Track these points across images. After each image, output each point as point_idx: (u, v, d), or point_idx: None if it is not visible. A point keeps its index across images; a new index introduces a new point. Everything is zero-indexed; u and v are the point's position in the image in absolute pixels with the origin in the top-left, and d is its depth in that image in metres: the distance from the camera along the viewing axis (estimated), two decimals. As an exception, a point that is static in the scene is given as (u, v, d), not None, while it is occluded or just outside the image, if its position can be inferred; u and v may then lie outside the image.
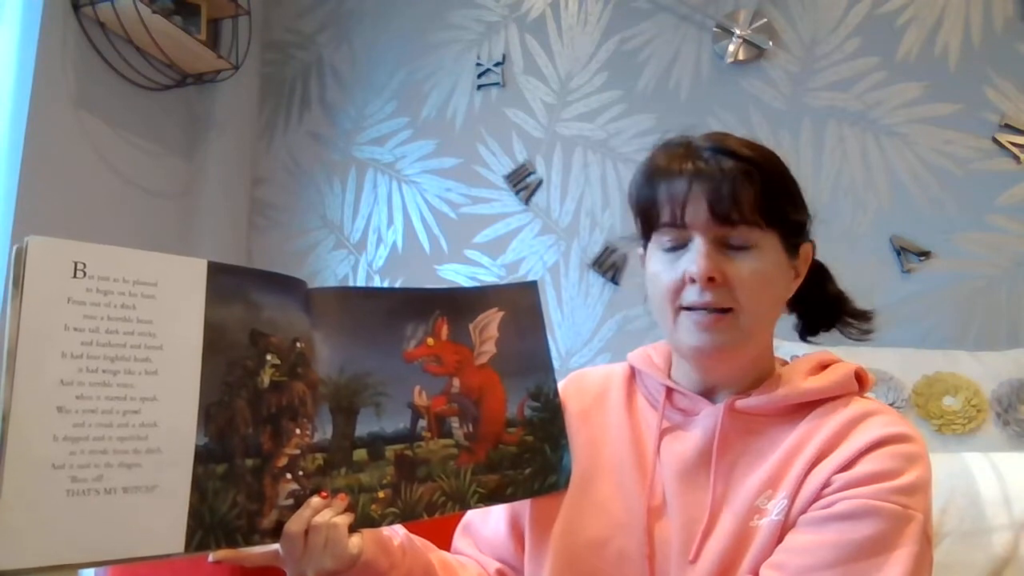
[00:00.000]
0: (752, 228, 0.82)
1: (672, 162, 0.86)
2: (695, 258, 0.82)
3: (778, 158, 0.87)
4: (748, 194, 0.82)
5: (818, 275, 0.95)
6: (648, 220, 0.88)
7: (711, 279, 0.81)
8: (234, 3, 2.58)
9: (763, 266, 0.83)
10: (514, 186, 2.46)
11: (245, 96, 2.78)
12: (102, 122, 2.32)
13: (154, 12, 2.25)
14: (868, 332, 0.96)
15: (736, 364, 0.88)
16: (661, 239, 0.87)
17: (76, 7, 2.22)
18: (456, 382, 0.88)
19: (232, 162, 2.72)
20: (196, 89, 2.65)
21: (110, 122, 2.34)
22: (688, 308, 0.84)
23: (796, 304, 0.95)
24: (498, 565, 0.99)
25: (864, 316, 0.96)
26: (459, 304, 0.91)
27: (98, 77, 2.31)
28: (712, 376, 0.90)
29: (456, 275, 2.49)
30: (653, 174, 0.87)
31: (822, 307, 0.96)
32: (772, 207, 0.83)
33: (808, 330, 0.98)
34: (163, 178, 2.54)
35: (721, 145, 0.84)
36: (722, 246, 0.83)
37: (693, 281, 0.82)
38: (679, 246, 0.85)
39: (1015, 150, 1.99)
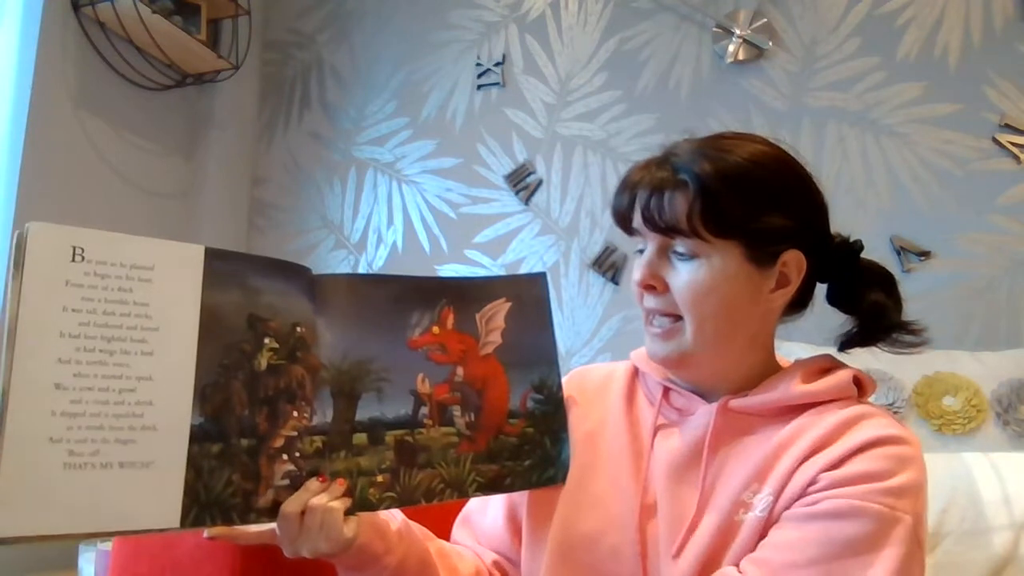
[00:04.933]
0: (692, 238, 0.81)
1: (635, 172, 0.88)
2: (638, 264, 0.86)
3: (755, 164, 0.83)
4: (678, 205, 0.82)
5: (862, 279, 0.90)
6: (619, 227, 0.91)
7: (650, 286, 0.84)
8: (234, 3, 2.59)
9: (705, 276, 0.82)
10: (514, 186, 2.46)
11: (245, 96, 2.79)
12: (102, 122, 2.32)
13: (154, 12, 2.26)
14: (918, 345, 0.88)
15: (696, 371, 0.88)
16: (635, 243, 0.90)
17: (76, 7, 2.23)
18: (460, 371, 0.88)
19: (232, 162, 2.72)
20: (196, 89, 2.66)
21: (110, 122, 2.35)
22: (649, 314, 0.87)
23: (844, 311, 0.91)
24: (495, 556, 0.99)
25: (908, 327, 0.88)
26: (466, 293, 0.91)
27: (98, 77, 2.32)
28: (687, 380, 0.91)
29: (456, 275, 2.48)
30: (620, 184, 0.90)
31: (861, 316, 0.90)
32: (715, 218, 0.81)
33: (850, 340, 0.91)
34: (163, 178, 2.54)
35: (682, 155, 0.84)
36: (669, 253, 0.85)
37: None
38: (643, 251, 0.88)
39: (1015, 150, 1.99)
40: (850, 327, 0.91)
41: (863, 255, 0.91)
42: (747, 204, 0.82)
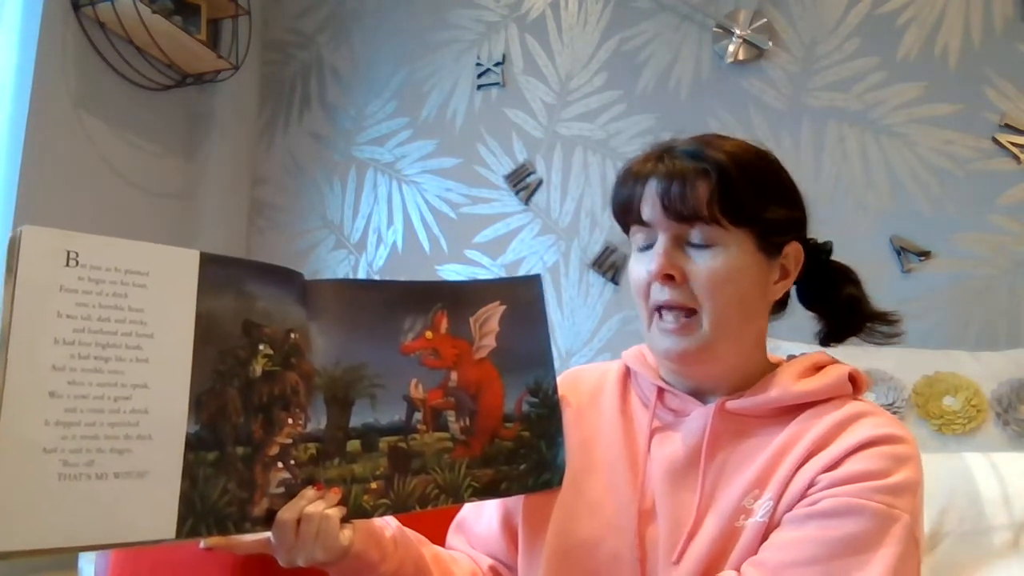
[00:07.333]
0: (711, 226, 0.82)
1: (640, 164, 0.88)
2: (653, 256, 0.84)
3: (757, 157, 0.86)
4: (700, 192, 0.82)
5: (834, 277, 0.94)
6: (620, 220, 0.91)
7: (669, 276, 0.83)
8: (234, 3, 2.58)
9: (723, 264, 0.82)
10: (514, 186, 2.46)
11: (245, 96, 2.78)
12: (102, 122, 2.32)
13: (154, 12, 2.26)
14: (894, 335, 0.93)
15: (711, 367, 0.88)
16: (636, 238, 0.89)
17: (76, 7, 2.23)
18: (454, 375, 0.88)
19: (232, 162, 2.72)
20: (196, 89, 2.65)
21: (110, 122, 2.34)
22: (659, 309, 0.85)
23: (817, 309, 0.95)
24: (491, 562, 0.98)
25: (884, 318, 0.93)
26: (460, 297, 0.90)
27: (98, 77, 2.31)
28: (692, 378, 0.90)
29: (456, 275, 2.48)
30: (623, 176, 0.90)
31: (837, 311, 0.94)
32: (734, 206, 0.82)
33: (827, 336, 0.95)
34: (163, 178, 2.54)
35: (689, 146, 0.85)
36: (684, 244, 0.84)
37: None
38: (649, 245, 0.86)
39: (1015, 150, 1.99)
40: (823, 323, 0.95)
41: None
42: (759, 193, 0.84)
